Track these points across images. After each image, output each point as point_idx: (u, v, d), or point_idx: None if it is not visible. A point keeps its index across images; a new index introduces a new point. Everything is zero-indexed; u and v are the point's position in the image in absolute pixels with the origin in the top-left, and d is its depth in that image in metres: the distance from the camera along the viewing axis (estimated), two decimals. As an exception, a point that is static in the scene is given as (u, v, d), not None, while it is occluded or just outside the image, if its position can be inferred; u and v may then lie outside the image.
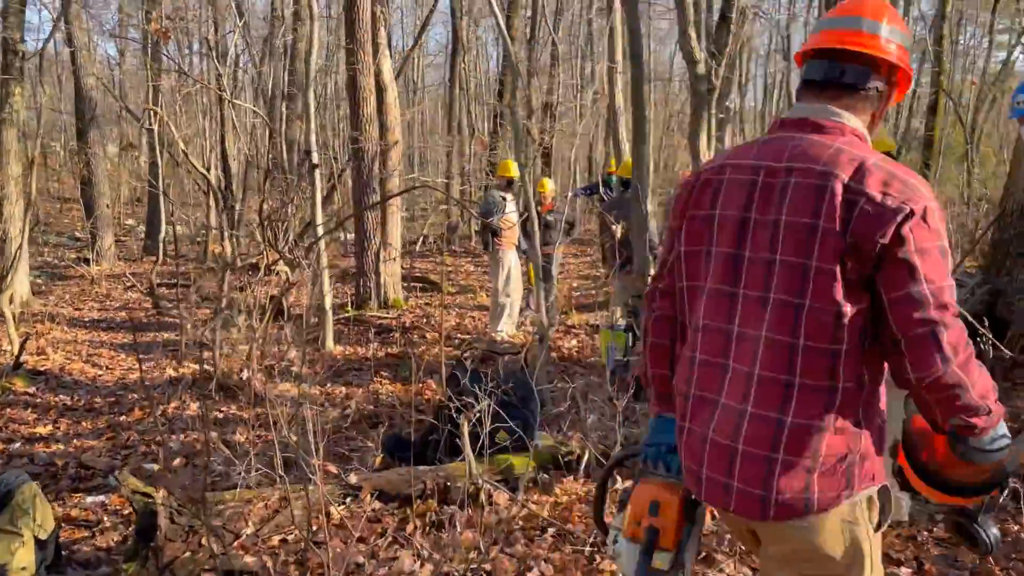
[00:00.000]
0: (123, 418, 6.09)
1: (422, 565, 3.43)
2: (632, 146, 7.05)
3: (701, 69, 5.24)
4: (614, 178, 11.92)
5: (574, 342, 8.70)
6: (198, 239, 17.78)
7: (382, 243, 10.48)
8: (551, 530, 3.78)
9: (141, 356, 8.06)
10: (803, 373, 1.71)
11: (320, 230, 8.18)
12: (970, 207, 13.17)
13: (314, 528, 3.51)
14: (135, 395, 6.60)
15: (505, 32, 6.70)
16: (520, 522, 3.85)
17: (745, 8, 9.34)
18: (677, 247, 1.95)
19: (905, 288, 1.65)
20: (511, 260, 9.14)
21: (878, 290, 1.69)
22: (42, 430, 5.86)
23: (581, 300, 11.55)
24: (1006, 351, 4.57)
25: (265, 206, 7.22)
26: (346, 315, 9.63)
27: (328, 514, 3.60)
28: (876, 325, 1.72)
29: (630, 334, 6.53)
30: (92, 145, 15.70)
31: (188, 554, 3.29)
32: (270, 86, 19.65)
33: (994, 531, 1.85)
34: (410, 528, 3.75)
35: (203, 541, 3.31)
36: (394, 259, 10.73)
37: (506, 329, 9.06)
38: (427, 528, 3.78)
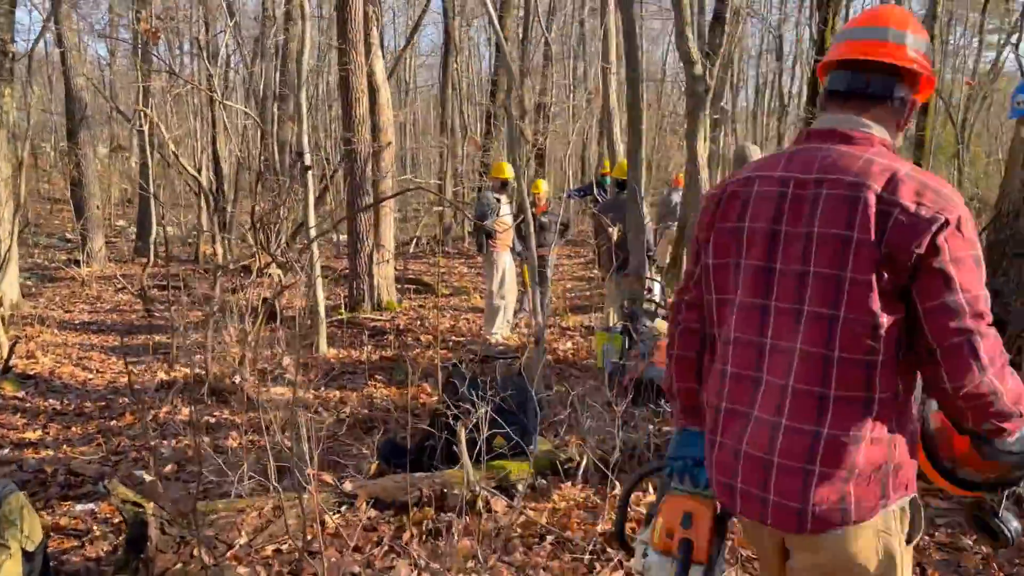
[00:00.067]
0: (113, 423, 6.01)
1: (419, 575, 3.37)
2: (627, 147, 7.02)
3: (698, 70, 5.19)
4: (608, 179, 11.91)
5: (569, 344, 8.65)
6: (189, 240, 17.69)
7: (375, 245, 10.41)
8: (550, 538, 3.72)
9: (131, 360, 7.99)
10: (838, 385, 1.71)
11: (313, 232, 8.11)
12: (963, 207, 13.15)
13: (309, 537, 3.44)
14: (126, 399, 6.52)
15: (499, 32, 6.64)
16: (518, 529, 3.79)
17: (739, 9, 9.29)
18: (705, 259, 1.94)
19: (940, 298, 1.65)
20: (505, 262, 9.08)
21: (913, 300, 1.68)
22: (31, 435, 5.77)
23: (576, 301, 11.50)
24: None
25: (257, 208, 7.14)
26: (339, 317, 9.55)
27: (323, 523, 3.54)
28: (911, 335, 1.72)
29: (626, 337, 6.48)
30: (82, 146, 15.59)
31: (180, 565, 3.22)
32: (261, 87, 19.56)
33: (1015, 524, 1.87)
34: (406, 537, 3.69)
35: (195, 552, 3.25)
36: (387, 261, 10.66)
37: (501, 331, 9.01)
38: (424, 536, 3.71)
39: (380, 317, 10.03)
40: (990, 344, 1.65)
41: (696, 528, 1.91)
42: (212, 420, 5.95)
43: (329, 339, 8.46)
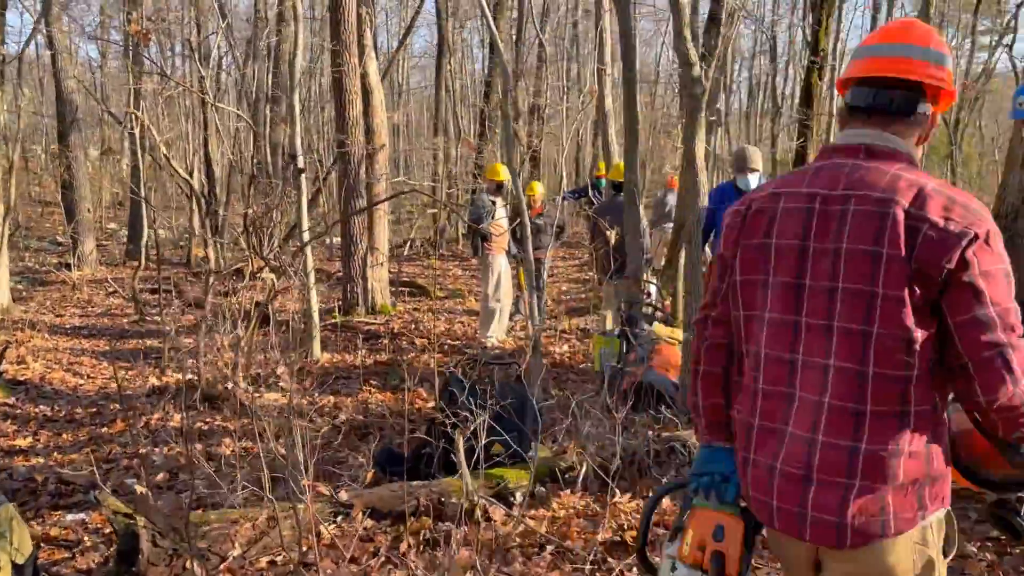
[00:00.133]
0: (105, 430, 5.93)
1: (417, 586, 3.31)
2: (624, 149, 6.97)
3: (696, 72, 5.13)
4: (603, 181, 11.87)
5: (565, 347, 8.60)
6: (181, 244, 17.59)
7: (369, 248, 10.34)
8: (549, 547, 3.66)
9: (122, 365, 7.90)
10: (874, 400, 1.71)
11: (306, 235, 8.03)
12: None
13: (304, 549, 3.37)
14: (117, 405, 6.43)
15: (495, 32, 6.58)
16: (517, 539, 3.73)
17: (735, 10, 9.25)
18: (732, 276, 1.94)
19: (971, 312, 1.65)
20: (501, 265, 9.02)
21: (943, 314, 1.69)
22: (22, 442, 5.69)
23: (571, 304, 11.46)
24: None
25: (250, 211, 7.06)
26: (333, 321, 9.48)
27: (318, 534, 3.47)
28: (942, 349, 1.72)
29: (624, 341, 6.43)
30: (73, 149, 15.48)
31: (172, 578, 3.16)
32: (254, 89, 19.47)
33: None
34: (404, 547, 3.62)
35: (187, 565, 3.17)
36: (381, 264, 10.59)
37: (496, 334, 8.95)
38: (421, 547, 3.64)
39: (374, 321, 9.96)
40: (1022, 356, 1.66)
41: (728, 541, 1.90)
42: (204, 427, 5.87)
43: (323, 343, 8.39)
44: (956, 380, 1.72)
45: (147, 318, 10.05)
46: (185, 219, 17.68)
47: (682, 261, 8.28)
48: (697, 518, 1.96)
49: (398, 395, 6.70)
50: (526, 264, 6.19)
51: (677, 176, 13.85)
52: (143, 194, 13.47)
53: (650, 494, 4.23)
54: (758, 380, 1.88)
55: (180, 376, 6.95)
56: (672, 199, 11.49)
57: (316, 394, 6.50)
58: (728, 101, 23.89)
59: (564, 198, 13.07)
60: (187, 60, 23.32)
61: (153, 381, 7.19)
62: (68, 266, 14.61)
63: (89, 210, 16.11)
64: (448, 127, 21.62)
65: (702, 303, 2.10)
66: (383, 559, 3.55)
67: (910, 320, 1.66)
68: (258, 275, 7.50)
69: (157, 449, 5.40)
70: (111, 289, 12.57)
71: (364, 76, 10.35)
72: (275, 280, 6.93)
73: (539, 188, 10.06)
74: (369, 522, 3.78)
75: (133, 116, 12.29)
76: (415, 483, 3.99)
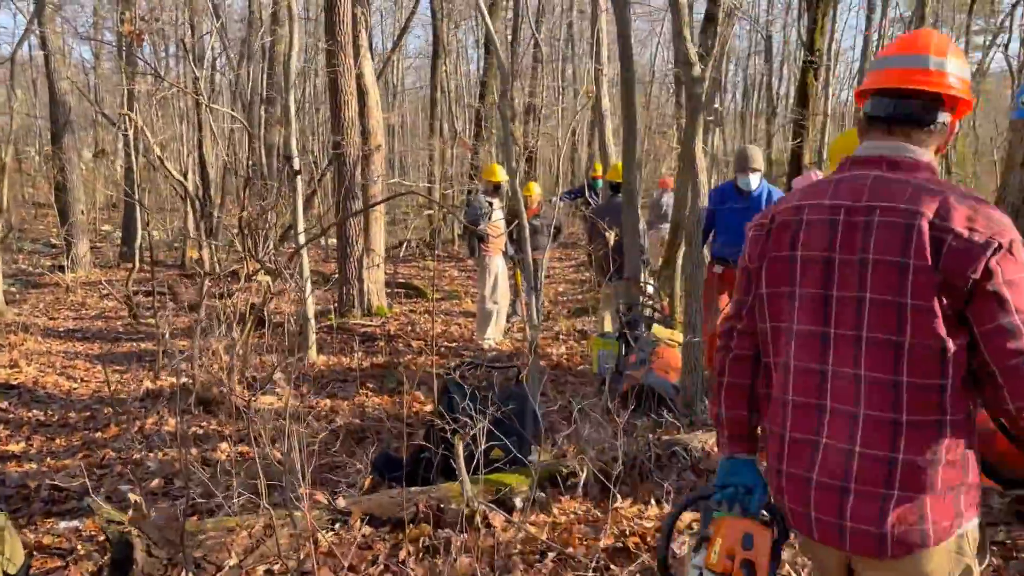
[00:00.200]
0: (99, 434, 5.86)
1: (416, 595, 3.25)
2: (623, 149, 6.92)
3: (696, 71, 5.08)
4: (599, 182, 11.82)
5: (563, 349, 8.55)
6: (175, 246, 17.50)
7: (365, 249, 10.28)
8: (551, 554, 3.60)
9: (117, 368, 7.84)
10: (910, 410, 1.73)
11: (302, 238, 7.97)
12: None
13: (301, 557, 3.31)
14: (111, 409, 6.36)
15: (492, 30, 6.53)
16: (518, 546, 3.67)
17: (733, 9, 9.21)
18: (758, 289, 1.96)
19: (996, 320, 1.67)
20: (498, 266, 8.97)
21: (969, 323, 1.70)
22: (14, 448, 5.62)
23: (568, 305, 11.41)
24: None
25: (244, 213, 7.00)
26: (329, 323, 9.42)
27: (316, 542, 3.41)
28: (969, 358, 1.73)
29: (623, 343, 6.38)
30: (67, 150, 15.39)
31: (167, 588, 3.09)
32: (248, 90, 19.40)
33: None
34: (403, 554, 3.56)
35: (183, 575, 3.11)
36: (377, 265, 10.53)
37: (493, 336, 8.90)
38: (421, 554, 3.58)
39: (370, 323, 9.90)
40: None
41: (757, 550, 1.92)
42: (199, 431, 5.81)
43: (319, 346, 8.33)
44: (984, 388, 1.74)
45: (141, 321, 9.96)
46: (179, 221, 17.61)
47: (680, 262, 8.25)
48: (725, 527, 1.98)
49: (395, 398, 6.64)
50: (524, 265, 6.14)
51: (671, 176, 13.86)
52: (137, 196, 13.38)
53: (651, 499, 4.19)
54: (788, 392, 1.89)
55: (175, 380, 6.88)
56: (667, 200, 11.47)
57: (313, 398, 6.44)
58: (724, 101, 23.87)
59: (561, 199, 13.02)
60: (181, 61, 23.22)
61: (147, 385, 7.12)
62: (62, 268, 14.53)
63: (83, 212, 16.02)
64: (443, 128, 21.56)
65: (726, 315, 2.14)
66: (382, 567, 3.49)
67: (942, 330, 1.68)
68: (253, 277, 7.44)
69: (152, 454, 5.34)
70: (105, 291, 12.49)
71: (360, 77, 10.29)
72: (270, 282, 6.87)
73: (536, 189, 10.00)
74: (367, 529, 3.71)
75: (127, 117, 12.21)
76: (414, 489, 3.93)
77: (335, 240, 11.50)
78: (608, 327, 8.05)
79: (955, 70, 1.86)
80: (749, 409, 2.04)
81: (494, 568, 3.45)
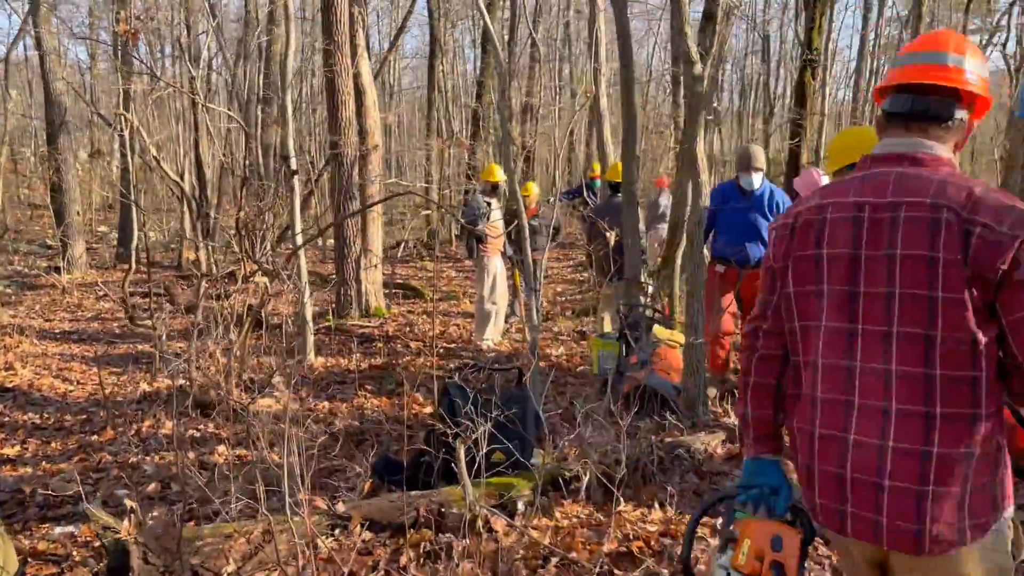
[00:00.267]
0: (95, 438, 5.80)
1: (418, 601, 3.20)
2: (623, 149, 6.87)
3: (698, 69, 5.03)
4: (597, 182, 11.77)
5: (562, 350, 8.50)
6: (172, 247, 17.43)
7: (363, 250, 10.22)
8: (554, 559, 3.55)
9: (113, 370, 7.78)
10: (943, 403, 1.72)
11: (300, 238, 7.91)
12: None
13: (301, 564, 3.26)
14: (107, 412, 6.30)
15: (492, 30, 6.48)
16: (521, 551, 3.61)
17: (732, 8, 9.18)
18: (784, 288, 1.97)
19: None
20: (496, 266, 8.92)
21: (998, 314, 1.72)
22: (9, 451, 5.56)
23: (567, 305, 11.35)
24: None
25: (242, 213, 6.94)
26: (327, 324, 9.36)
27: (315, 548, 3.36)
28: (999, 349, 1.76)
29: (623, 343, 6.32)
30: (62, 151, 15.33)
31: (164, 596, 3.04)
32: (245, 90, 19.33)
33: None
34: (404, 560, 3.50)
35: (181, 582, 3.06)
36: (375, 266, 10.47)
37: (492, 337, 8.84)
38: (422, 560, 3.53)
39: (369, 324, 9.85)
40: None
41: (786, 551, 1.92)
42: (197, 434, 5.75)
43: (317, 347, 8.27)
44: (1011, 379, 1.76)
45: (138, 323, 9.90)
46: (176, 222, 17.53)
47: (679, 261, 8.21)
48: (753, 529, 1.99)
49: (394, 400, 6.58)
50: (524, 266, 6.09)
51: (667, 176, 13.81)
52: (133, 197, 13.32)
53: (655, 502, 4.14)
54: (816, 389, 1.90)
55: (171, 382, 6.82)
56: (664, 200, 11.42)
57: (311, 400, 6.38)
58: (721, 101, 23.82)
59: (559, 199, 12.98)
60: (177, 62, 23.14)
61: (144, 387, 7.06)
62: (57, 270, 14.46)
63: (79, 213, 15.95)
64: (441, 128, 21.50)
65: (751, 315, 2.13)
66: (382, 573, 3.43)
67: (973, 322, 1.69)
68: (251, 278, 7.38)
69: (148, 458, 5.27)
70: (101, 293, 12.43)
71: (357, 76, 10.24)
72: (268, 284, 6.81)
73: (534, 189, 9.95)
74: (367, 534, 3.66)
75: (122, 118, 12.14)
76: (415, 493, 3.87)
77: (333, 241, 11.44)
78: (608, 327, 8.00)
79: (973, 68, 1.87)
80: (775, 409, 2.05)
81: (497, 574, 3.40)
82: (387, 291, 11.23)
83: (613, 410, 4.44)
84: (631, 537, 3.77)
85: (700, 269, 5.42)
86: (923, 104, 1.88)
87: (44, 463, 5.29)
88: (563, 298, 12.30)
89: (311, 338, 8.00)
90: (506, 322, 9.40)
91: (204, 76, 17.03)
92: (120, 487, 4.74)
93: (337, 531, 3.64)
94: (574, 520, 3.98)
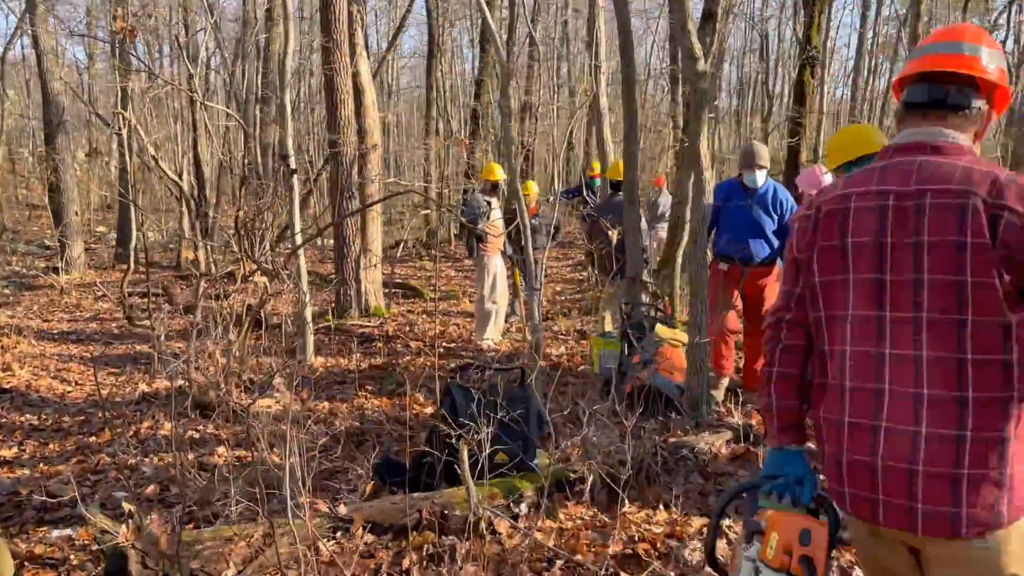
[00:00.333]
0: (93, 439, 5.75)
1: (421, 605, 3.15)
2: (624, 147, 6.82)
3: (701, 65, 4.98)
4: (597, 181, 11.72)
5: (562, 349, 8.45)
6: (171, 246, 17.38)
7: (362, 249, 10.17)
8: (559, 562, 3.50)
9: (112, 371, 7.73)
10: (976, 387, 1.73)
11: (299, 238, 7.86)
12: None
13: (302, 568, 3.21)
14: (105, 414, 6.25)
15: (493, 27, 6.44)
16: (525, 553, 3.57)
17: (731, 5, 9.14)
18: (810, 279, 1.98)
19: None
20: (496, 266, 8.87)
21: None
22: (6, 453, 5.51)
23: (566, 305, 11.31)
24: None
25: (240, 213, 6.89)
26: (326, 324, 9.31)
27: (317, 551, 3.31)
28: None
29: (625, 343, 6.28)
30: (60, 151, 15.27)
31: (163, 600, 2.99)
32: (244, 89, 19.27)
33: None
34: (406, 563, 3.45)
35: (180, 586, 3.01)
36: (375, 265, 10.42)
37: (492, 337, 8.79)
38: (424, 562, 3.48)
39: (368, 323, 9.80)
40: None
41: (815, 545, 1.92)
42: (196, 435, 5.70)
43: (316, 347, 8.23)
44: None
45: (136, 323, 9.85)
46: (175, 222, 17.47)
47: (679, 261, 8.16)
48: (781, 523, 1.98)
49: (395, 400, 6.54)
50: (527, 265, 6.04)
51: (664, 175, 13.77)
52: (132, 196, 13.26)
53: (660, 504, 4.09)
54: (845, 378, 1.89)
55: (170, 383, 6.76)
56: (663, 199, 11.37)
57: (311, 399, 6.33)
58: (719, 99, 23.77)
59: (560, 198, 12.94)
60: (176, 62, 23.10)
61: (143, 388, 7.01)
62: (56, 270, 14.41)
63: (77, 213, 15.91)
64: (439, 127, 21.45)
65: (774, 306, 2.13)
66: (385, 576, 3.39)
67: (1003, 305, 1.71)
68: (250, 278, 7.34)
69: (147, 459, 5.22)
70: (100, 293, 12.38)
71: (355, 75, 10.19)
72: (267, 283, 6.76)
73: (534, 188, 9.90)
74: (370, 537, 3.61)
75: (120, 116, 12.09)
76: (417, 495, 3.82)
77: (332, 240, 11.39)
78: (609, 327, 7.96)
79: (989, 58, 1.89)
80: (799, 399, 2.05)
81: (500, 576, 3.35)
82: (386, 291, 11.18)
83: (618, 410, 4.38)
84: (636, 539, 3.73)
85: (704, 267, 5.37)
86: (940, 92, 1.90)
87: (42, 465, 5.24)
88: (562, 297, 12.25)
89: (311, 338, 7.96)
90: (506, 321, 9.35)
91: (202, 74, 16.99)
92: (119, 489, 4.70)
93: (339, 534, 3.59)
94: (578, 522, 3.93)
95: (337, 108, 9.88)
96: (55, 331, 10.17)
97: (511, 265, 9.32)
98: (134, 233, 13.72)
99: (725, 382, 6.10)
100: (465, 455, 3.55)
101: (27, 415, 6.39)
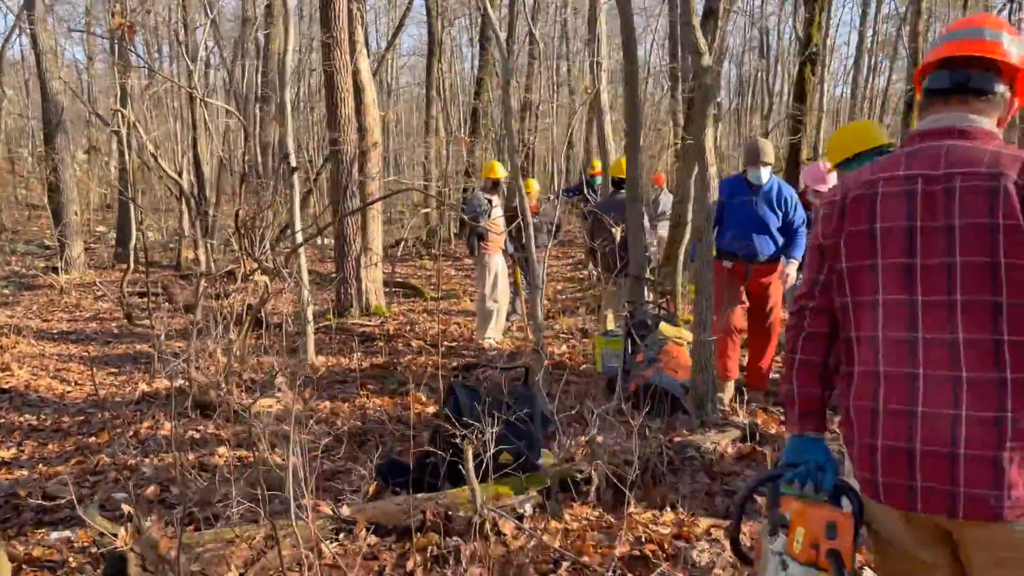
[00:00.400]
0: (92, 439, 5.70)
1: (425, 608, 3.10)
2: (626, 145, 6.78)
3: (706, 60, 4.94)
4: (597, 179, 11.67)
5: (564, 348, 8.40)
6: (171, 246, 17.33)
7: (363, 248, 10.13)
8: (565, 563, 3.45)
9: (111, 371, 7.68)
10: (1015, 367, 1.72)
11: (300, 236, 7.81)
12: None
13: (305, 570, 3.16)
14: (106, 413, 6.20)
15: (495, 24, 6.39)
16: (530, 554, 3.52)
17: (732, 3, 9.09)
18: (837, 264, 1.97)
19: None
20: (497, 264, 8.82)
21: None
22: (5, 454, 5.46)
23: (567, 303, 11.26)
24: None
25: (241, 212, 6.85)
26: (327, 323, 9.26)
27: (320, 553, 3.26)
28: None
29: (628, 341, 6.23)
30: (60, 151, 15.23)
31: (164, 604, 2.94)
32: (243, 87, 19.23)
33: None
34: (410, 565, 3.40)
35: (181, 589, 2.96)
36: (375, 264, 10.38)
37: (494, 335, 8.75)
38: (429, 564, 3.43)
39: (369, 322, 9.76)
40: None
41: (841, 538, 1.90)
42: (196, 435, 5.65)
43: (317, 346, 8.18)
44: None
45: (136, 323, 9.79)
46: (174, 221, 17.43)
47: (681, 259, 8.11)
48: (807, 516, 1.95)
49: (396, 399, 6.49)
50: (529, 264, 5.99)
51: (663, 173, 13.71)
52: (131, 196, 13.22)
53: (666, 504, 4.04)
54: (878, 364, 1.87)
55: (170, 382, 6.72)
56: (664, 198, 11.33)
57: (312, 399, 6.29)
58: (719, 96, 23.71)
59: (561, 196, 12.90)
60: (175, 61, 23.05)
61: (143, 388, 6.96)
62: (55, 270, 14.37)
63: (76, 213, 15.87)
64: (439, 126, 21.40)
65: (797, 293, 2.11)
66: (389, 578, 3.34)
67: None
68: (250, 277, 7.30)
69: (147, 460, 5.17)
70: (99, 293, 12.33)
71: (356, 73, 10.14)
72: (268, 282, 6.71)
73: (535, 186, 9.87)
74: (373, 538, 3.56)
75: (120, 114, 12.04)
76: (420, 496, 3.77)
77: (332, 239, 11.35)
78: (611, 325, 7.91)
79: (1011, 44, 1.89)
80: (822, 386, 2.04)
81: (506, 578, 3.30)
82: (387, 290, 11.14)
83: (623, 409, 4.33)
84: (643, 540, 3.67)
85: (709, 264, 5.32)
86: (962, 76, 1.90)
87: (41, 465, 5.19)
88: (563, 296, 12.20)
89: (312, 337, 7.91)
90: (507, 320, 9.31)
91: (202, 72, 16.94)
92: (118, 490, 4.64)
93: (342, 535, 3.54)
94: (584, 522, 3.88)
95: (337, 106, 9.84)
96: (55, 331, 10.13)
97: (512, 263, 9.27)
98: (134, 232, 13.69)
99: (731, 385, 6.05)
100: (470, 455, 3.50)
101: (26, 415, 6.34)
